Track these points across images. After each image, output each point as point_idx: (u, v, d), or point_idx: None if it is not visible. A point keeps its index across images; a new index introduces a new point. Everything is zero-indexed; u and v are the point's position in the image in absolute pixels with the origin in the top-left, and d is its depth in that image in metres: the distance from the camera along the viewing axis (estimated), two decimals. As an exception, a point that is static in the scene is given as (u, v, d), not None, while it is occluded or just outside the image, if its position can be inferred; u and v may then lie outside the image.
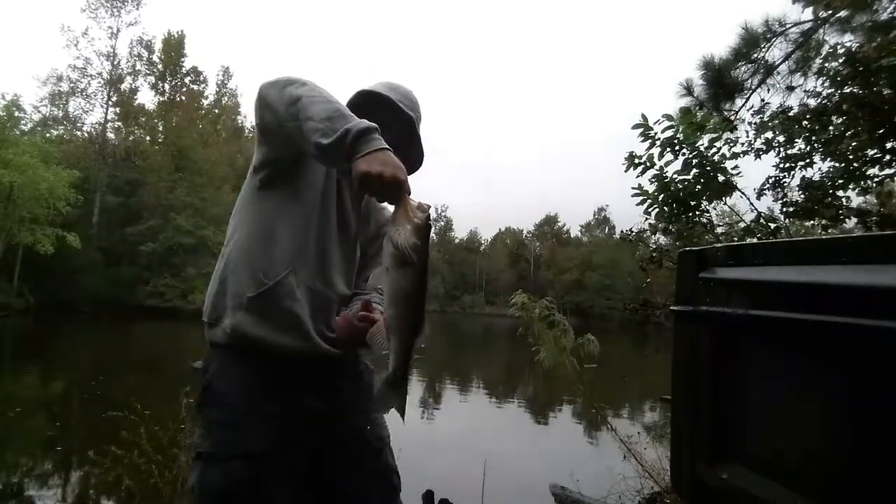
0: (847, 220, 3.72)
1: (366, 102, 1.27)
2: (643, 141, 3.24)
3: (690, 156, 3.19)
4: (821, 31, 4.10)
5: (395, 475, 1.28)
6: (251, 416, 1.10)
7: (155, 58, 33.56)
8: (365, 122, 0.98)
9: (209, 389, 1.13)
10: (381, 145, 0.96)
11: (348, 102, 1.26)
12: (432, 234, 1.01)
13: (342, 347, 1.19)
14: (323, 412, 1.18)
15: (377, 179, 0.93)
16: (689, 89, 4.40)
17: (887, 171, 3.47)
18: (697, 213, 3.36)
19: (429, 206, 0.98)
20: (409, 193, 0.97)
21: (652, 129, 3.19)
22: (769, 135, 3.83)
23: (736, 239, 3.51)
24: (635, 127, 3.20)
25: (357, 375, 1.30)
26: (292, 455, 1.12)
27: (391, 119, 1.24)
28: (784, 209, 3.75)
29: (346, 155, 0.96)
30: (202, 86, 35.99)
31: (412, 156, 1.34)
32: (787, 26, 4.19)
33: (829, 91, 3.72)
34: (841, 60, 3.56)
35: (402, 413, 1.05)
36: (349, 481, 1.21)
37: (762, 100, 4.22)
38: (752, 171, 3.62)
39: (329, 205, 1.21)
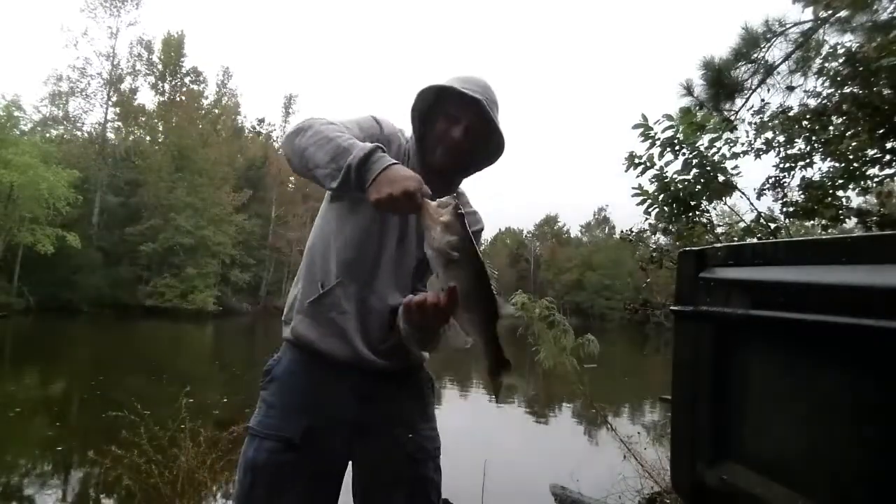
0: (847, 220, 3.71)
1: (436, 98, 1.22)
2: (643, 141, 3.23)
3: (690, 156, 3.19)
4: (821, 31, 4.09)
5: (435, 490, 1.24)
6: (290, 405, 1.18)
7: (155, 58, 33.64)
8: (364, 149, 0.98)
9: (268, 373, 1.24)
10: (383, 165, 0.96)
11: (416, 100, 1.21)
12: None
13: (419, 334, 1.13)
14: (360, 417, 1.19)
15: (388, 201, 0.94)
16: (689, 89, 4.40)
17: (887, 171, 3.47)
18: (697, 213, 3.36)
19: (454, 197, 0.96)
20: (428, 196, 0.96)
21: (652, 129, 3.19)
22: (769, 135, 3.83)
23: (736, 239, 3.50)
24: (635, 127, 3.20)
25: (406, 386, 1.27)
26: (318, 451, 1.16)
27: (460, 106, 1.19)
28: (784, 209, 3.74)
29: (358, 190, 0.98)
30: (202, 86, 36.07)
31: (490, 141, 1.25)
32: (787, 26, 4.18)
33: (829, 91, 3.72)
34: (841, 60, 3.56)
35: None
36: (377, 489, 1.21)
37: (762, 100, 4.21)
38: (752, 171, 3.62)
39: (388, 217, 1.20)
